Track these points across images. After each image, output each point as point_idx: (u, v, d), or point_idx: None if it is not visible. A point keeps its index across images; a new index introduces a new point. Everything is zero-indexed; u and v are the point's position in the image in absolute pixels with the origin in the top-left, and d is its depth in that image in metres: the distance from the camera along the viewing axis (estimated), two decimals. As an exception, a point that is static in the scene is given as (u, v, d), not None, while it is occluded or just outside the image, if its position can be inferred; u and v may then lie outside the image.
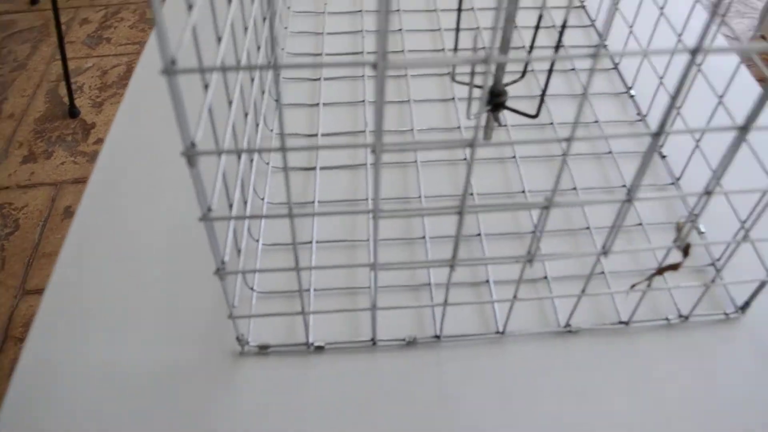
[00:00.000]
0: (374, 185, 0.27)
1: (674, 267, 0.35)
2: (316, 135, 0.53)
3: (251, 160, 0.48)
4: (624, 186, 0.49)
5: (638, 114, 0.55)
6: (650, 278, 0.36)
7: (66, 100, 1.75)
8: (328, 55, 0.61)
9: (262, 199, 0.48)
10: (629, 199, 0.29)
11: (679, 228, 0.34)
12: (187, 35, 0.23)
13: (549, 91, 0.57)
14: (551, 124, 0.54)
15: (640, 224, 0.46)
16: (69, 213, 1.43)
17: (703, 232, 0.46)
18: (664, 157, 0.51)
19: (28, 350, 0.39)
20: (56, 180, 1.51)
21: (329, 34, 0.64)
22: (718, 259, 0.44)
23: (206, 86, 0.29)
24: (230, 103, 0.35)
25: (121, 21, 2.08)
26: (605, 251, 0.31)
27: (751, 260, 0.43)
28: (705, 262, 0.44)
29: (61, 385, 0.38)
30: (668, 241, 0.45)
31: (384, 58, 0.20)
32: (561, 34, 0.31)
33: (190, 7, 0.25)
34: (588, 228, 0.46)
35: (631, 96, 0.57)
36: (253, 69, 0.21)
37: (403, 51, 0.62)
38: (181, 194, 0.49)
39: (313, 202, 0.48)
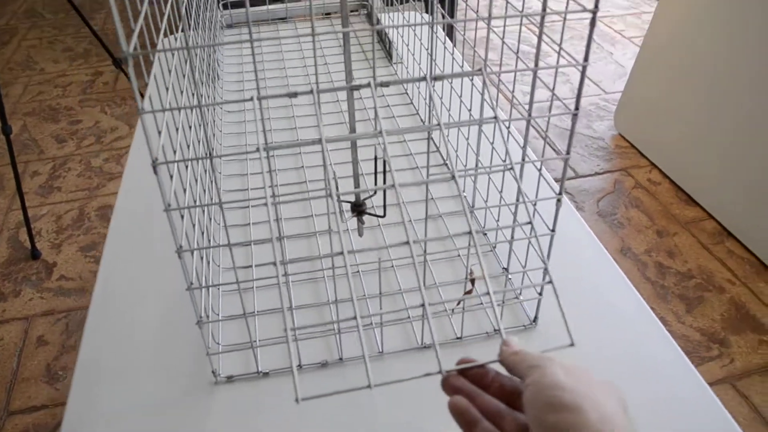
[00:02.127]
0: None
1: (468, 292, 0.59)
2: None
3: (207, 263, 0.72)
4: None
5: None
6: (459, 303, 0.60)
7: (27, 244, 1.93)
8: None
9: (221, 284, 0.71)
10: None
11: (470, 271, 0.59)
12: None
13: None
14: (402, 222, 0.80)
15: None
16: (42, 341, 1.58)
17: (505, 268, 0.71)
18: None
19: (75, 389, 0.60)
20: (27, 314, 1.67)
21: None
22: (520, 292, 0.69)
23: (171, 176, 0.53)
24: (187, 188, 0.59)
25: (69, 171, 2.31)
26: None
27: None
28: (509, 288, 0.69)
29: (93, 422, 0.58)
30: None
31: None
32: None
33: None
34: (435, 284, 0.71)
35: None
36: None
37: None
38: (169, 287, 0.71)
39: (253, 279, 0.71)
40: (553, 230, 0.58)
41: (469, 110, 0.83)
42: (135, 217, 0.82)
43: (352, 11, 1.41)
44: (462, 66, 0.94)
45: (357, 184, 0.63)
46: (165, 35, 0.54)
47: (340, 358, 0.63)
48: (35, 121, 2.64)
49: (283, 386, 0.60)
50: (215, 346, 0.64)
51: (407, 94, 1.09)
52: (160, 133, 0.49)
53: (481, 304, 0.67)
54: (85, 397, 0.60)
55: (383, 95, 1.08)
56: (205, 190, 0.72)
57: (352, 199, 0.64)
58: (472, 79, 0.84)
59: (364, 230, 0.68)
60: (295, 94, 0.40)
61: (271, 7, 1.34)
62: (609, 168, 2.15)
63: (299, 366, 0.62)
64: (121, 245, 0.78)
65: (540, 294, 0.64)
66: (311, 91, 0.40)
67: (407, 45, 1.15)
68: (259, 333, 0.65)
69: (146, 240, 0.78)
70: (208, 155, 0.49)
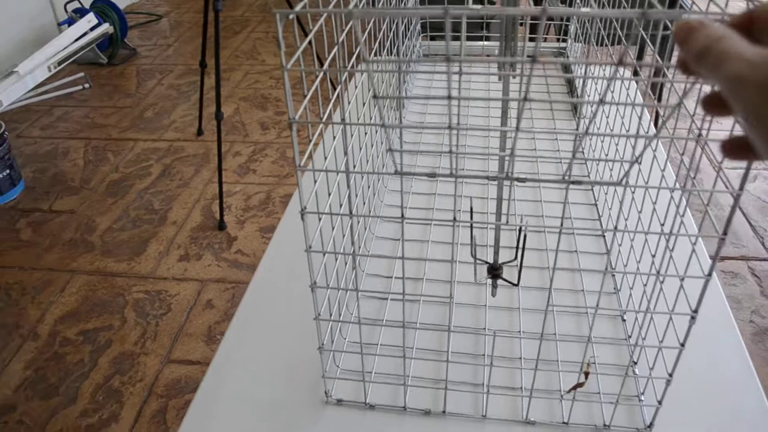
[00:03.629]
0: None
1: (581, 385, 0.58)
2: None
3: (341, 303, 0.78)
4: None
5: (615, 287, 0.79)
6: (570, 391, 0.59)
7: (217, 215, 2.19)
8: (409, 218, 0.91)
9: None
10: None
11: (587, 363, 0.58)
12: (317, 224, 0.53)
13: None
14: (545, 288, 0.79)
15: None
16: (210, 305, 1.79)
17: (636, 374, 0.68)
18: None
19: (206, 382, 0.69)
20: (203, 278, 1.90)
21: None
22: (643, 393, 0.66)
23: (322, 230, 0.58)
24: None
25: (266, 157, 2.57)
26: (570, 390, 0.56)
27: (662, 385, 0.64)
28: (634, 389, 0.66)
29: (220, 405, 0.66)
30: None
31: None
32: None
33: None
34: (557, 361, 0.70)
35: (613, 276, 0.81)
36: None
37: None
38: (299, 318, 0.78)
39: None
40: (695, 311, 0.55)
41: (646, 182, 0.80)
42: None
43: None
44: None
45: (497, 249, 0.65)
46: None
47: (443, 411, 0.65)
48: (247, 106, 2.95)
49: (386, 420, 0.64)
50: (333, 369, 0.69)
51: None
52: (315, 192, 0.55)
53: (598, 395, 0.65)
54: (218, 377, 0.68)
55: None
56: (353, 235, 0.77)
57: (490, 260, 0.66)
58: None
59: (497, 292, 0.69)
60: (433, 175, 0.43)
61: (468, 43, 1.39)
62: (810, 261, 1.90)
63: (404, 407, 0.65)
64: (287, 240, 0.87)
65: (659, 403, 0.61)
66: (450, 174, 0.43)
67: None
68: (376, 368, 0.69)
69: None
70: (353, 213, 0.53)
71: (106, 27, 2.97)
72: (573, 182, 0.44)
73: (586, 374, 0.58)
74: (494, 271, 0.65)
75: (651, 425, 0.62)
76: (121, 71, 3.38)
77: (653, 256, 0.70)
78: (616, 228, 0.53)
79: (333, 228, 0.61)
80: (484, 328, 0.74)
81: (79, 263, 2.00)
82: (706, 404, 0.65)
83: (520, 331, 0.73)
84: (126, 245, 2.08)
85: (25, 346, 1.68)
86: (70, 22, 3.11)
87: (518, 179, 0.45)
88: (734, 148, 0.34)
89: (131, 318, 1.77)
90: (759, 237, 1.97)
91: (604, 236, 0.87)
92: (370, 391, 0.67)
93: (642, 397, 0.65)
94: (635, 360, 0.68)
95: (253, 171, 2.47)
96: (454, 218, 0.47)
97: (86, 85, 2.91)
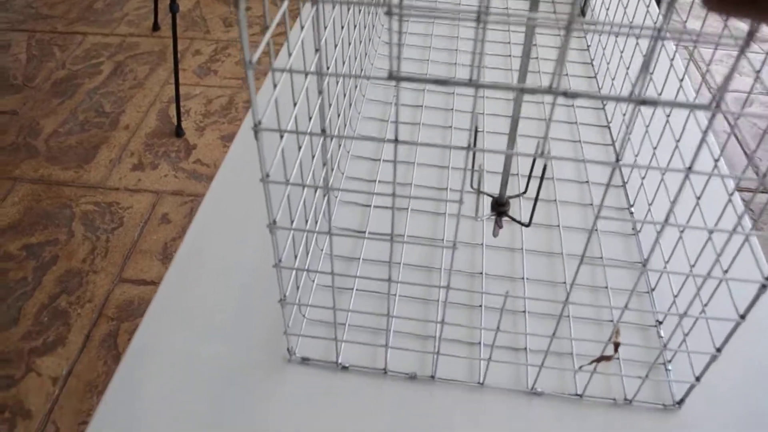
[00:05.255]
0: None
1: (608, 358, 0.47)
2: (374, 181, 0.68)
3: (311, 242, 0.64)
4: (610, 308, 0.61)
5: (633, 229, 0.67)
6: (591, 363, 0.48)
7: (174, 120, 1.99)
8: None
9: (321, 249, 0.63)
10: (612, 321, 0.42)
11: (616, 331, 0.46)
12: (270, 105, 0.38)
13: (558, 198, 0.70)
14: (555, 226, 0.67)
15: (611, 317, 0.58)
16: (165, 219, 1.64)
17: (662, 336, 0.57)
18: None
19: (140, 334, 0.55)
20: (158, 189, 1.74)
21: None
22: (670, 361, 0.55)
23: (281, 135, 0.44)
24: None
25: (228, 56, 2.34)
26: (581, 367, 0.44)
27: (700, 361, 0.54)
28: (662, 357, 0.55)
29: (159, 366, 0.53)
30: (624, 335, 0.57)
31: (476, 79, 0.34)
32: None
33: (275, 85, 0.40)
34: (568, 316, 0.58)
35: (631, 213, 0.69)
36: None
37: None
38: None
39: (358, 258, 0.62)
40: (742, 317, 0.44)
41: (677, 144, 0.67)
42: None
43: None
44: (683, 91, 0.75)
45: (505, 181, 0.51)
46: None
47: (432, 376, 0.53)
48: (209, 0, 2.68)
49: (362, 384, 0.53)
50: (299, 321, 0.57)
51: (603, 110, 0.92)
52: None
53: (620, 368, 0.54)
54: (164, 310, 0.55)
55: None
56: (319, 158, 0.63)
57: (496, 195, 0.52)
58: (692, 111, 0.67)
59: (500, 232, 0.56)
60: (445, 82, 0.28)
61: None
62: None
63: (384, 371, 0.53)
64: (249, 150, 0.72)
65: (698, 380, 0.50)
66: (469, 82, 0.29)
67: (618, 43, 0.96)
68: (349, 328, 0.57)
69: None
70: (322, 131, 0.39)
71: None
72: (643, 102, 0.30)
73: (616, 345, 0.46)
74: (500, 207, 0.52)
75: (681, 402, 0.52)
76: (67, -46, 3.02)
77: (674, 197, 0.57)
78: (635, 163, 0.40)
79: (300, 148, 0.47)
80: (481, 272, 0.62)
81: (22, 170, 1.81)
82: (746, 384, 0.54)
83: (523, 278, 0.61)
84: (74, 151, 1.88)
85: (-41, 260, 1.52)
86: None
87: (566, 94, 0.31)
88: None
89: (79, 232, 1.61)
90: None
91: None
92: (342, 349, 0.55)
93: (669, 366, 0.55)
94: (666, 340, 0.57)
95: (215, 72, 2.26)
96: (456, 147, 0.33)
97: (26, -32, 2.58)
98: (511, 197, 0.52)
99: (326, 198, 0.66)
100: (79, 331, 1.36)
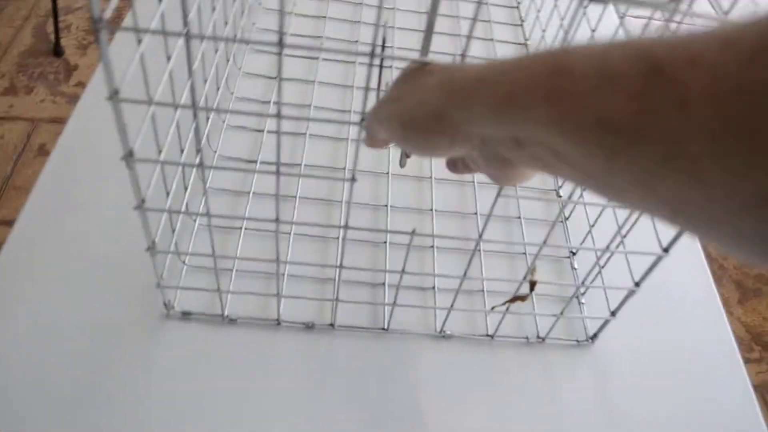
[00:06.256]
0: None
1: (522, 298, 0.43)
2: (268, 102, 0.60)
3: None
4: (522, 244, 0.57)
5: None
6: (505, 303, 0.44)
7: (52, 37, 1.77)
8: (293, 35, 0.68)
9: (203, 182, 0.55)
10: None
11: (531, 270, 0.42)
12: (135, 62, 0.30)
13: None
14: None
15: (524, 253, 0.54)
16: (43, 151, 1.47)
17: (575, 268, 0.54)
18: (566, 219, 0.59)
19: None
20: (34, 117, 1.55)
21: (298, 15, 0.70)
22: (583, 294, 0.52)
23: (168, 57, 0.35)
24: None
25: (118, -36, 2.09)
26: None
27: (612, 297, 0.51)
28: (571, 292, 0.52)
29: (12, 329, 0.44)
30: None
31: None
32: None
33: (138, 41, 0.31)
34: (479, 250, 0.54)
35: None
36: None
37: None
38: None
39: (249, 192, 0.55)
40: (666, 250, 0.40)
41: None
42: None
43: None
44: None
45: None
46: None
47: (332, 324, 0.48)
48: None
49: (254, 337, 0.46)
50: (176, 268, 0.49)
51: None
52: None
53: (533, 306, 0.50)
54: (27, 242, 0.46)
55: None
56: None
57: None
58: None
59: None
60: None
61: None
62: None
63: (278, 321, 0.47)
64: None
65: (613, 314, 0.47)
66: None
67: None
68: (237, 275, 0.50)
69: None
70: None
71: None
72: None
73: (532, 284, 0.42)
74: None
75: (594, 337, 0.49)
76: None
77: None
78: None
79: (169, 49, 0.38)
80: (386, 204, 0.56)
81: None
82: (660, 317, 0.52)
83: (432, 209, 0.56)
84: (-68, 72, 1.64)
85: None
86: None
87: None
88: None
89: (-58, 166, 1.42)
90: None
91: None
92: (229, 300, 0.48)
93: (582, 300, 0.52)
94: (582, 278, 0.54)
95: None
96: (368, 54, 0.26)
97: None
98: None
99: (207, 121, 0.58)
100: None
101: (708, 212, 0.18)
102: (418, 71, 0.29)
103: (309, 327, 0.48)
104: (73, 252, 0.49)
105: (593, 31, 0.60)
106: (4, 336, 0.44)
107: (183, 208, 0.49)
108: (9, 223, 1.32)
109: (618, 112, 0.19)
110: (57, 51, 1.74)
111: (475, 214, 0.57)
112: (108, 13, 0.24)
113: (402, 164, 0.49)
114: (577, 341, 0.50)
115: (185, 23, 0.28)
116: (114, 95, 0.28)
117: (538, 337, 0.49)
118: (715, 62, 0.17)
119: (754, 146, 0.16)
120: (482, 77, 0.25)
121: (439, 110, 0.27)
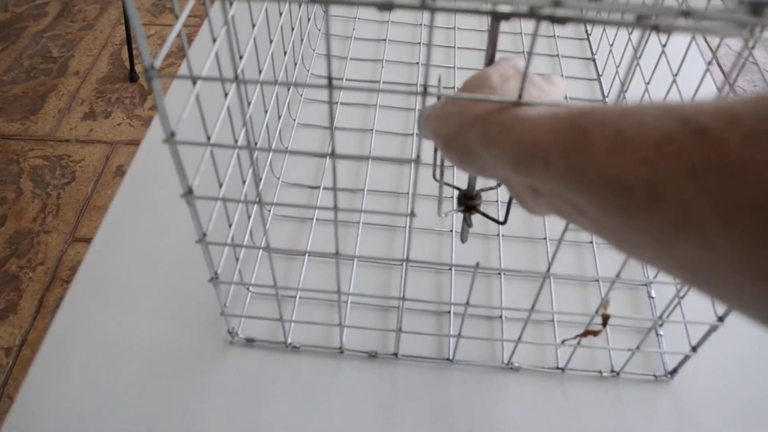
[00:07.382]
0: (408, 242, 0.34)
1: (595, 333, 0.40)
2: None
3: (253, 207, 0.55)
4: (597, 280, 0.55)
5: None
6: (576, 337, 0.41)
7: (127, 64, 1.86)
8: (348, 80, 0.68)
9: (269, 211, 0.55)
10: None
11: (604, 304, 0.40)
12: (189, 107, 0.30)
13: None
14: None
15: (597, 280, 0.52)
16: (120, 172, 1.54)
17: (653, 297, 0.51)
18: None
19: (62, 312, 0.48)
20: (112, 139, 1.62)
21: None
22: (661, 325, 0.49)
23: (225, 94, 0.36)
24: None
25: (189, -8, 2.18)
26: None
27: (693, 329, 0.48)
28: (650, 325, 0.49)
29: (81, 342, 0.46)
30: (613, 306, 0.51)
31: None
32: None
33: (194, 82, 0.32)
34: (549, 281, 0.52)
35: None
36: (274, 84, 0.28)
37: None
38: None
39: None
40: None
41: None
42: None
43: None
44: None
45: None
46: None
47: (395, 354, 0.47)
48: (160, -70, 2.48)
49: (318, 366, 0.46)
50: (241, 300, 0.49)
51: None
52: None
53: (607, 338, 0.48)
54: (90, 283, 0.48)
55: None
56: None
57: (463, 187, 0.43)
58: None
59: (469, 236, 0.49)
60: (390, 5, 0.20)
61: None
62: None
63: (340, 350, 0.47)
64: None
65: (694, 350, 0.44)
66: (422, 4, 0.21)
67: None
68: (300, 302, 0.50)
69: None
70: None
71: None
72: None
73: (605, 318, 0.40)
74: (468, 201, 0.43)
75: (673, 372, 0.46)
76: None
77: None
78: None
79: (225, 94, 0.38)
80: (450, 268, 0.55)
81: (-38, 122, 1.68)
82: (747, 354, 0.49)
83: (499, 234, 0.54)
84: (19, 101, 1.75)
85: None
86: None
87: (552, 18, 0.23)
88: None
89: (28, 189, 1.51)
90: None
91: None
92: (292, 328, 0.48)
93: (660, 331, 0.49)
94: (660, 313, 0.51)
95: (170, 9, 2.10)
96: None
97: None
98: (482, 190, 0.44)
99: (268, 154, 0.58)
100: (31, 296, 1.28)
101: (721, 277, 0.19)
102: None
103: (372, 356, 0.47)
104: (143, 274, 0.50)
105: (663, 46, 0.57)
106: (75, 348, 0.45)
107: (246, 236, 0.50)
108: (89, 240, 1.39)
109: (628, 174, 0.20)
110: (132, 77, 1.82)
111: (545, 239, 0.55)
112: (158, 62, 0.24)
113: (463, 239, 0.47)
114: (655, 376, 0.47)
115: (234, 70, 0.28)
116: (170, 137, 0.28)
117: (612, 371, 0.46)
118: (720, 136, 0.18)
119: (756, 222, 0.17)
120: (510, 126, 0.27)
121: (470, 146, 0.30)
